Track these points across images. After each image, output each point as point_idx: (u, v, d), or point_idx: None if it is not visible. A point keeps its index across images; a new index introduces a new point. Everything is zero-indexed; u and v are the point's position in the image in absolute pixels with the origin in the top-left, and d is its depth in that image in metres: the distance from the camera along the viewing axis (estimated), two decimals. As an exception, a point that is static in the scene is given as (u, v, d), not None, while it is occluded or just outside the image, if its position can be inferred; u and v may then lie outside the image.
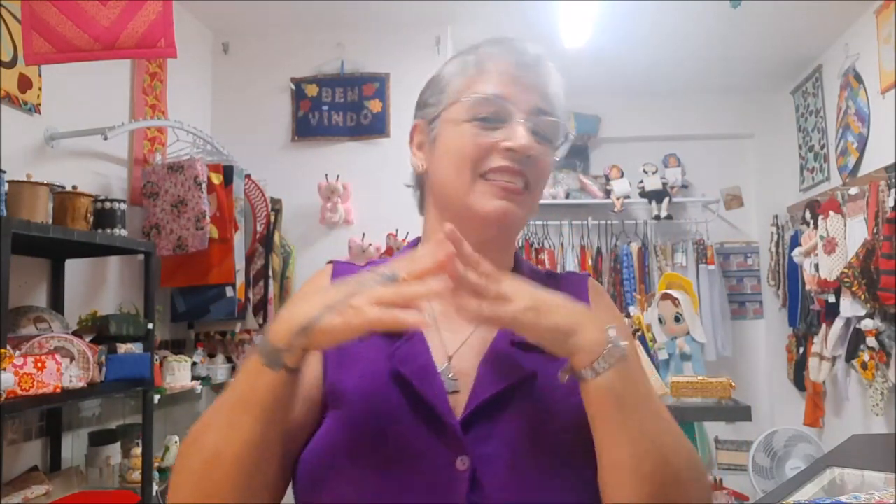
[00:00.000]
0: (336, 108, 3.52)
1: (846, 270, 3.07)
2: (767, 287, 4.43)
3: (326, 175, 3.36)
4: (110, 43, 1.95)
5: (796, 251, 3.74)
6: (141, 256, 2.52)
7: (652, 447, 0.65)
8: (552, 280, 0.88)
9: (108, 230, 2.32)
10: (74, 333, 2.20)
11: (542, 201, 3.67)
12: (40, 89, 2.37)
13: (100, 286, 2.67)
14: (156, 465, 2.49)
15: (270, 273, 3.12)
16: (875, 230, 2.98)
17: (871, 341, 3.02)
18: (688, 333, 3.37)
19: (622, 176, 4.38)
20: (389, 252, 3.29)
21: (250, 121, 3.55)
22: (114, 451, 2.43)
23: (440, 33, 3.43)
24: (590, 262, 4.32)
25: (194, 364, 2.86)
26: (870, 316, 3.03)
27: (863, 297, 2.99)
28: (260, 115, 3.55)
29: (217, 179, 2.86)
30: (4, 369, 1.75)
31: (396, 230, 3.27)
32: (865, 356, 3.07)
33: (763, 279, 4.48)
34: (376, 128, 3.48)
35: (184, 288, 2.93)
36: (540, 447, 0.70)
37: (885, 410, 3.04)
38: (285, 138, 3.56)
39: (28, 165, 2.26)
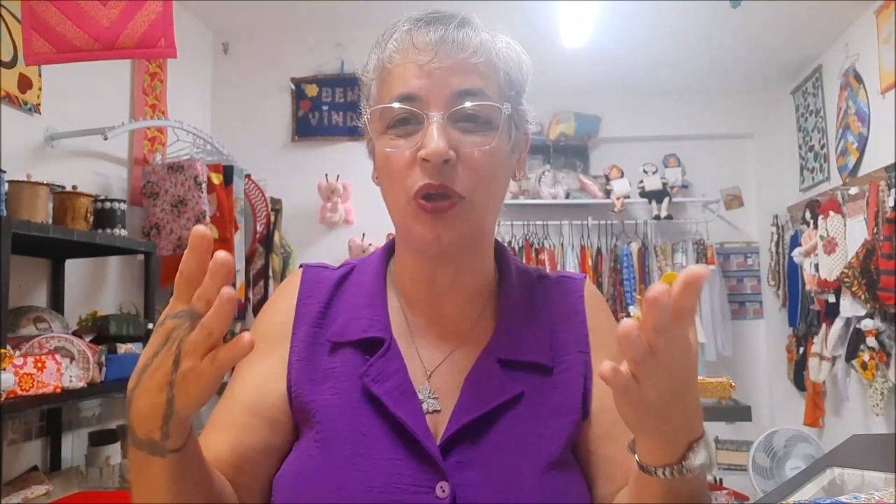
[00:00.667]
0: (336, 108, 3.52)
1: (846, 270, 3.07)
2: (767, 287, 4.43)
3: (326, 175, 3.36)
4: (110, 43, 1.94)
5: (796, 251, 3.74)
6: (141, 256, 2.53)
7: None
8: (543, 283, 0.80)
9: (108, 230, 2.32)
10: (74, 333, 2.20)
11: (541, 201, 3.64)
12: (40, 89, 2.37)
13: (100, 286, 2.67)
14: (156, 465, 2.49)
15: (270, 273, 3.12)
16: (875, 230, 2.98)
17: (871, 341, 3.02)
18: (688, 333, 3.36)
19: (622, 176, 4.38)
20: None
21: (250, 121, 3.55)
22: (114, 451, 2.43)
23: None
24: (590, 262, 4.32)
25: (194, 364, 2.85)
26: (870, 316, 3.03)
27: (863, 297, 2.99)
28: (260, 115, 3.55)
29: (217, 179, 2.86)
30: (4, 369, 1.75)
31: (396, 230, 3.27)
32: (865, 356, 3.07)
33: (763, 279, 4.48)
34: (376, 128, 3.48)
35: (184, 288, 2.93)
36: (524, 475, 0.65)
37: (885, 410, 3.04)
38: (285, 138, 3.56)
39: (28, 165, 2.26)
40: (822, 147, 3.85)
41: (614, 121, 4.54)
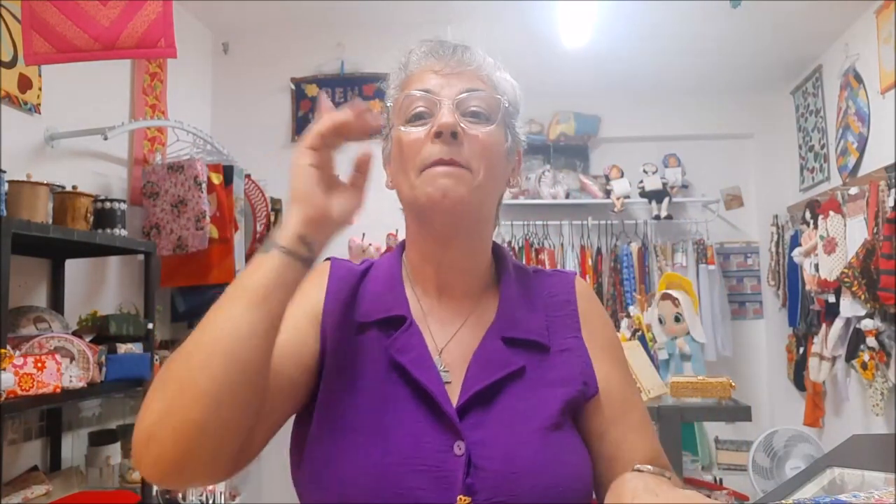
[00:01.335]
0: (336, 108, 3.51)
1: (846, 270, 3.07)
2: (767, 287, 4.43)
3: (326, 175, 3.36)
4: (110, 43, 1.95)
5: (796, 251, 3.74)
6: (141, 256, 2.53)
7: None
8: (538, 276, 0.90)
9: (108, 230, 2.32)
10: (74, 333, 2.20)
11: (541, 201, 3.64)
12: (40, 89, 2.37)
13: (100, 286, 2.67)
14: (156, 465, 2.49)
15: (270, 273, 3.11)
16: (875, 230, 2.98)
17: (871, 341, 3.02)
18: (688, 333, 3.37)
19: (622, 176, 4.38)
20: (389, 252, 3.29)
21: (250, 121, 3.55)
22: (114, 451, 2.43)
23: (440, 33, 3.42)
24: (590, 262, 4.32)
25: (194, 364, 2.85)
26: (870, 316, 3.04)
27: (863, 297, 2.99)
28: (260, 115, 3.55)
29: (217, 179, 2.86)
30: (4, 369, 1.75)
31: (396, 230, 3.27)
32: (865, 356, 3.07)
33: (763, 279, 4.48)
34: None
35: (184, 288, 2.93)
36: (528, 434, 0.73)
37: (885, 410, 3.04)
38: (285, 138, 3.56)
39: (28, 165, 2.26)
40: (822, 147, 3.85)
41: (614, 121, 4.54)
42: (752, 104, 4.47)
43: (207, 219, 2.71)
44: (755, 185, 4.54)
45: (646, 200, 4.35)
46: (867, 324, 3.02)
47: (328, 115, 0.77)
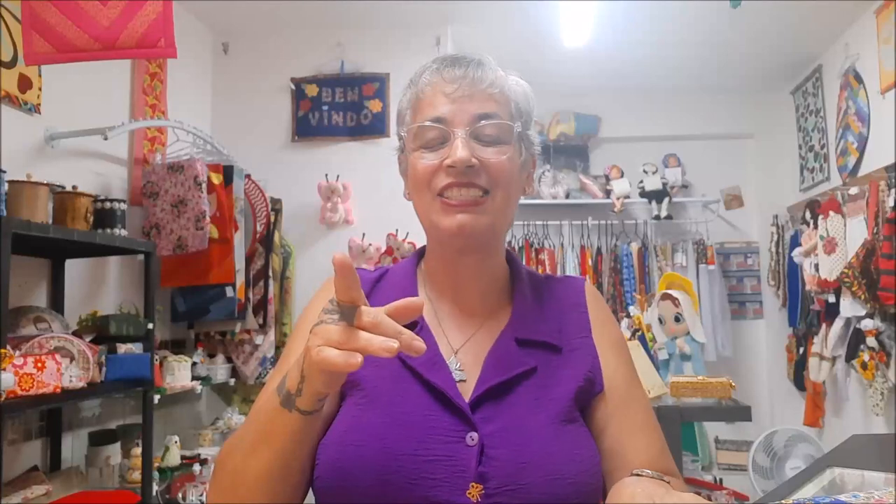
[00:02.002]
0: (336, 108, 3.52)
1: (846, 270, 3.07)
2: (767, 287, 4.43)
3: (326, 175, 3.36)
4: (110, 43, 1.94)
5: (796, 251, 3.74)
6: (141, 256, 2.52)
7: None
8: (549, 282, 0.93)
9: (108, 230, 2.32)
10: (74, 333, 2.21)
11: (541, 201, 3.66)
12: (40, 89, 2.37)
13: (100, 286, 2.67)
14: (156, 465, 2.49)
15: (270, 273, 3.12)
16: (875, 230, 2.98)
17: (871, 341, 3.02)
18: (688, 333, 3.37)
19: (622, 176, 4.38)
20: (389, 252, 3.29)
21: (250, 121, 3.55)
22: (114, 451, 2.43)
23: (440, 33, 3.43)
24: (590, 262, 4.32)
25: (194, 364, 2.86)
26: (870, 316, 3.03)
27: (863, 297, 2.99)
28: (260, 115, 3.55)
29: (217, 179, 2.86)
30: (4, 369, 1.75)
31: (396, 230, 3.27)
32: (865, 356, 3.07)
33: (763, 279, 4.48)
34: (376, 128, 3.48)
35: (184, 288, 2.93)
36: (539, 426, 0.77)
37: (885, 410, 3.04)
38: (285, 138, 3.56)
39: (28, 165, 2.26)
40: (822, 147, 3.85)
41: (614, 121, 4.54)
42: (752, 104, 4.47)
43: (207, 219, 2.71)
44: (755, 185, 4.54)
45: (646, 200, 4.35)
46: (867, 324, 3.02)
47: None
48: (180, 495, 2.68)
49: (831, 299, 3.37)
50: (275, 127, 3.56)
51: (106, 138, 2.47)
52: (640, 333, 3.19)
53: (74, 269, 2.49)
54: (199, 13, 3.37)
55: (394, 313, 0.63)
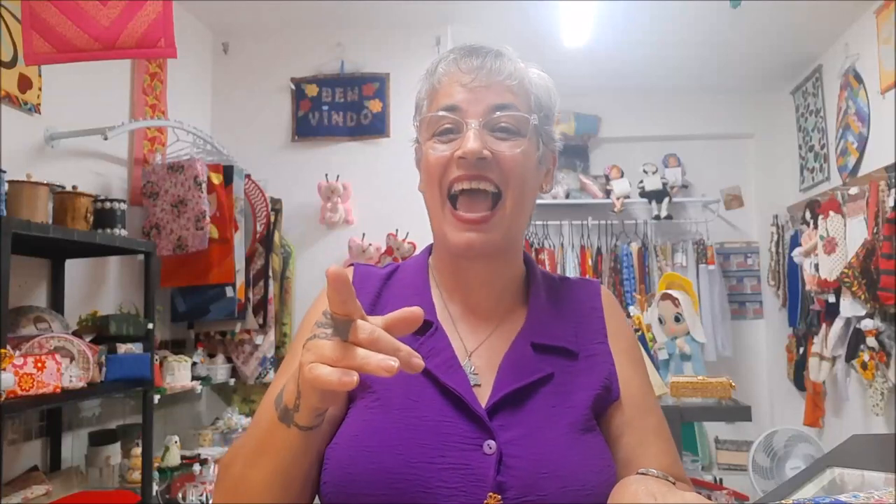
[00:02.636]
0: (336, 108, 3.52)
1: (846, 270, 3.07)
2: (767, 287, 4.43)
3: (326, 175, 3.36)
4: (110, 43, 1.94)
5: (796, 251, 3.74)
6: (141, 256, 2.52)
7: None
8: (565, 284, 0.91)
9: (108, 230, 2.32)
10: (74, 333, 2.21)
11: (541, 201, 3.63)
12: (40, 89, 2.37)
13: (100, 286, 2.67)
14: (156, 465, 2.49)
15: (270, 273, 3.12)
16: (875, 230, 2.98)
17: (871, 341, 3.02)
18: (688, 333, 3.37)
19: (622, 176, 4.38)
20: (389, 252, 3.29)
21: (250, 121, 3.55)
22: (114, 451, 2.43)
23: (440, 33, 3.43)
24: (590, 262, 4.32)
25: (194, 364, 2.86)
26: (870, 316, 3.03)
27: (863, 297, 2.99)
28: (260, 115, 3.55)
29: (217, 179, 2.86)
30: (4, 369, 1.75)
31: (396, 230, 3.27)
32: (865, 356, 3.07)
33: (763, 279, 4.48)
34: (376, 128, 3.48)
35: (184, 288, 2.93)
36: (557, 434, 0.74)
37: (885, 410, 3.04)
38: (285, 138, 3.56)
39: (28, 165, 2.26)
40: (822, 147, 3.85)
41: (614, 121, 4.54)
42: (752, 104, 4.47)
43: (207, 219, 2.71)
44: (755, 185, 4.54)
45: (646, 200, 4.35)
46: (867, 324, 3.02)
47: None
48: (180, 495, 2.67)
49: (831, 299, 3.37)
50: (275, 127, 3.56)
51: (106, 138, 2.47)
52: (640, 333, 3.20)
53: (74, 269, 2.49)
54: (199, 13, 3.37)
55: (392, 325, 0.59)
